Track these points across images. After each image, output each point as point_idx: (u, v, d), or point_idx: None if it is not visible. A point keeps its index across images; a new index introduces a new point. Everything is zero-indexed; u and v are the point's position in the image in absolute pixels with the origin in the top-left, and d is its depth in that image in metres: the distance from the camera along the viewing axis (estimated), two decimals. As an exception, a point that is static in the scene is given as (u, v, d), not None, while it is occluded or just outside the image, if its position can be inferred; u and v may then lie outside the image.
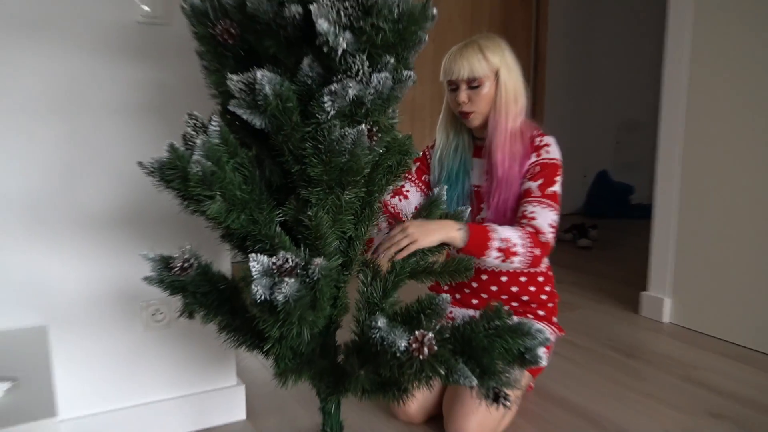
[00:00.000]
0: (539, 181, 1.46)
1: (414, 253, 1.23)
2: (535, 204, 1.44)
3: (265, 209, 0.99)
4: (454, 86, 1.49)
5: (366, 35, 0.90)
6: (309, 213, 0.96)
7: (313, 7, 0.86)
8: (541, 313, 1.59)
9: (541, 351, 0.97)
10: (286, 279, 0.84)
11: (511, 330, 0.95)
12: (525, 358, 0.95)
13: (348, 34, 0.88)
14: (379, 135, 0.98)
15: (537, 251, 1.38)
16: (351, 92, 0.90)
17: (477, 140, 1.59)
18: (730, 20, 1.97)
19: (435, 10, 0.96)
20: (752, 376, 1.81)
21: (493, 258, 1.35)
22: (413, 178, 1.64)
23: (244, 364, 1.89)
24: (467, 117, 1.49)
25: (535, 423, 1.54)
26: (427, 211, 1.30)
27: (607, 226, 3.95)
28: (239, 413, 1.56)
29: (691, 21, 2.07)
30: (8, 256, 1.27)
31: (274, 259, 0.86)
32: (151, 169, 0.92)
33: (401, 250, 1.21)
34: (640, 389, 1.73)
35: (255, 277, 0.84)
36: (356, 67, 0.90)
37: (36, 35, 1.24)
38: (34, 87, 1.25)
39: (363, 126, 0.91)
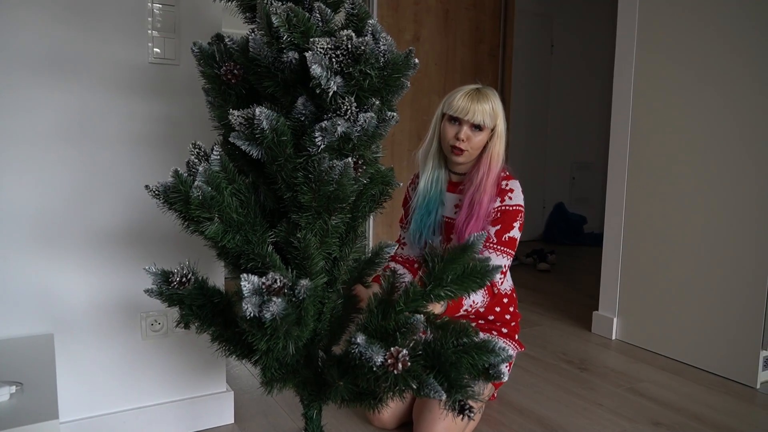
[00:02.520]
0: (497, 227, 1.46)
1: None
2: (491, 251, 1.46)
3: (258, 231, 0.98)
4: (456, 121, 1.46)
5: (355, 80, 0.90)
6: (298, 235, 0.95)
7: (308, 54, 0.87)
8: (504, 330, 1.58)
9: (504, 367, 0.96)
10: (274, 298, 0.82)
11: (477, 347, 0.95)
12: (489, 373, 0.94)
13: (339, 79, 0.89)
14: (364, 167, 0.98)
15: (489, 298, 1.47)
16: (340, 129, 0.90)
17: (452, 175, 1.58)
18: (668, 76, 2.04)
19: (416, 60, 0.97)
20: (687, 388, 1.82)
21: (462, 313, 1.45)
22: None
23: (234, 372, 1.84)
24: (459, 153, 1.47)
25: (496, 428, 1.53)
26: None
27: (564, 252, 3.98)
28: (228, 417, 1.52)
29: (632, 80, 2.16)
30: (20, 270, 1.23)
31: (263, 279, 0.84)
32: (157, 192, 0.91)
33: None
34: (591, 398, 1.73)
35: (246, 295, 0.83)
36: (345, 107, 0.90)
37: (55, 73, 1.23)
38: (50, 118, 1.24)
39: (350, 159, 0.91)
